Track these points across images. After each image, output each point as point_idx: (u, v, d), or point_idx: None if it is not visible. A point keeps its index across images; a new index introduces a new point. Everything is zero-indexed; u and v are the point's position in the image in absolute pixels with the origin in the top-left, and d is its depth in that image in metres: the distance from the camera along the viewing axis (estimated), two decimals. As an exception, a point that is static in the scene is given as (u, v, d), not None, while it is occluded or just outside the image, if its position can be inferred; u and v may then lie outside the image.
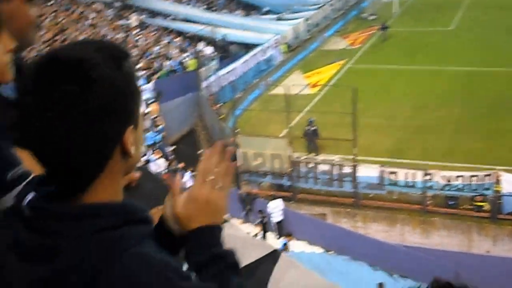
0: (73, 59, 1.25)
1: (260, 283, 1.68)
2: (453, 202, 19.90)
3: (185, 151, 25.25)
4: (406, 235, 19.58)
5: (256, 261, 1.84)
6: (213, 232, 1.49)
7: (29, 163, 1.68)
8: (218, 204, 1.51)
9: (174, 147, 25.06)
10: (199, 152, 26.07)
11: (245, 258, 1.93)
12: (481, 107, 25.64)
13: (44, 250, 1.29)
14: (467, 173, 19.57)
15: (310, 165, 21.50)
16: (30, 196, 1.39)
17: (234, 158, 22.34)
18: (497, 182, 19.11)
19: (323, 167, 21.32)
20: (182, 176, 20.04)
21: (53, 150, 1.25)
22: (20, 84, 1.33)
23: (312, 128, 23.38)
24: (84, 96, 1.22)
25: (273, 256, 1.92)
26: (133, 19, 36.26)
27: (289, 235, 18.11)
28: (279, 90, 26.96)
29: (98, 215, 1.29)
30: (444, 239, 19.15)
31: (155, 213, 1.61)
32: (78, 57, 1.25)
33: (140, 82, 27.77)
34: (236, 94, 27.30)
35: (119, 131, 1.31)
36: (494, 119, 24.40)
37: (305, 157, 22.41)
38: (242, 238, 2.01)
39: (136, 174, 2.10)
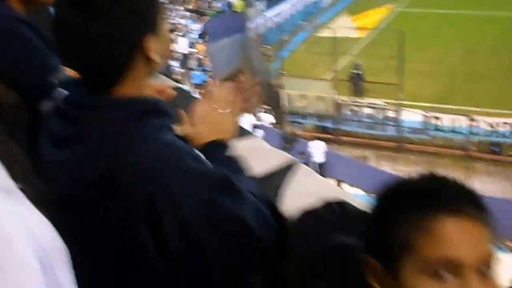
0: None
1: (277, 188, 1.83)
2: (497, 149, 19.77)
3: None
4: (448, 180, 19.41)
5: (275, 169, 2.01)
6: (220, 146, 1.63)
7: None
8: (225, 125, 1.67)
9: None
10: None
11: (263, 166, 2.03)
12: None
13: (71, 136, 1.46)
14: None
15: (354, 108, 21.50)
16: (63, 92, 1.52)
17: (277, 99, 22.49)
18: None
19: (367, 111, 21.29)
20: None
21: (81, 52, 1.41)
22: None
23: (358, 72, 23.19)
24: (112, 6, 1.39)
25: (291, 166, 2.05)
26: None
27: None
28: (326, 33, 26.63)
29: (122, 105, 1.44)
30: (486, 185, 19.01)
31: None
32: None
33: (189, 23, 27.92)
34: (283, 36, 27.13)
35: (139, 38, 1.45)
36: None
37: (350, 100, 22.37)
38: (264, 148, 2.13)
39: (173, 92, 2.21)
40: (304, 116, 22.63)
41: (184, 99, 1.94)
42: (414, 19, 30.67)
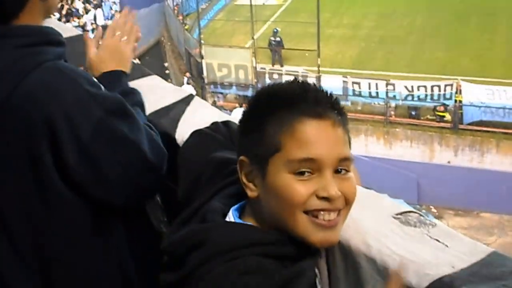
0: None
1: (174, 120, 1.94)
2: (415, 113, 20.18)
3: (151, 63, 25.06)
4: (370, 145, 19.78)
5: (172, 103, 2.12)
6: (120, 75, 1.76)
7: None
8: (124, 52, 1.80)
9: (138, 59, 24.81)
10: (165, 64, 25.98)
11: (163, 101, 2.14)
12: (444, 16, 25.68)
13: None
14: (429, 83, 19.78)
15: (275, 76, 21.46)
16: None
17: (197, 69, 22.32)
18: (459, 92, 19.40)
19: (287, 78, 21.11)
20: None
21: None
22: None
23: (277, 39, 23.18)
24: None
25: (188, 99, 2.20)
26: None
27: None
28: (244, 0, 26.55)
29: (18, 34, 1.48)
30: (406, 150, 19.47)
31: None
32: None
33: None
34: (201, 5, 26.81)
35: None
36: (456, 28, 24.52)
37: (270, 68, 22.38)
38: (163, 86, 2.31)
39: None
40: (225, 86, 22.57)
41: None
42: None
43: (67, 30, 2.74)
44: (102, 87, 1.54)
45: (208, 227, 1.26)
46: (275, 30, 23.51)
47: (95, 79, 1.57)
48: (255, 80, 21.54)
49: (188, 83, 22.04)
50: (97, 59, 1.75)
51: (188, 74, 22.91)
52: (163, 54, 26.97)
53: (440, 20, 25.62)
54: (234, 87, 22.44)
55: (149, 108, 1.88)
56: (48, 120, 1.41)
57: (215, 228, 1.26)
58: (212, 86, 22.56)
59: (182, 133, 1.81)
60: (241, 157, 1.27)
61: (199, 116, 1.96)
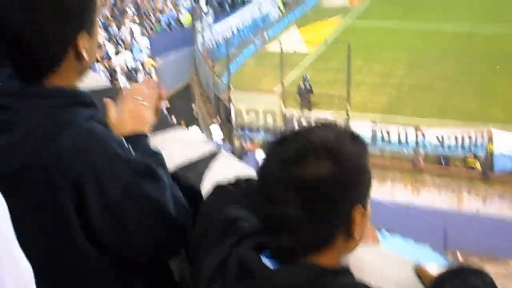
0: None
1: (200, 174, 2.01)
2: (444, 161, 19.99)
3: (180, 106, 25.26)
4: (397, 192, 19.54)
5: (199, 157, 2.17)
6: (141, 138, 1.73)
7: None
8: (145, 116, 1.78)
9: (167, 102, 25.02)
10: (194, 107, 26.19)
11: (190, 155, 2.19)
12: (475, 66, 25.49)
13: (3, 124, 1.48)
14: (459, 132, 19.65)
15: (303, 122, 21.50)
16: None
17: (226, 113, 22.43)
18: (489, 141, 19.19)
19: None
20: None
21: (17, 41, 1.46)
22: None
23: (306, 85, 23.26)
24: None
25: (214, 154, 2.24)
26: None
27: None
28: (274, 47, 26.78)
29: (50, 95, 1.51)
30: (434, 198, 19.23)
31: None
32: None
33: (136, 36, 27.68)
34: (231, 50, 27.12)
35: (72, 34, 1.51)
36: (487, 76, 24.33)
37: (298, 113, 22.39)
38: (189, 139, 2.37)
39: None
40: (253, 130, 22.61)
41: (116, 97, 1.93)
42: (362, 33, 31.08)
43: (97, 81, 2.84)
44: (131, 150, 1.58)
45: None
46: (305, 76, 23.61)
47: (125, 142, 1.60)
48: (283, 125, 21.52)
49: (216, 126, 22.17)
50: (117, 122, 1.75)
51: (217, 118, 23.03)
52: (192, 97, 27.19)
53: (471, 68, 25.44)
54: (261, 132, 22.44)
55: (176, 162, 2.00)
56: (76, 181, 1.44)
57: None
58: (239, 130, 22.58)
59: (207, 188, 1.81)
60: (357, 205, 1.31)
61: (224, 171, 2.01)
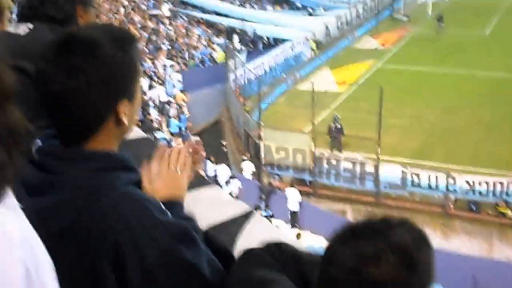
0: (85, 38, 1.57)
1: (232, 236, 2.04)
2: (475, 207, 19.79)
3: (210, 141, 25.36)
4: (426, 237, 19.36)
5: (232, 218, 2.23)
6: (176, 204, 1.77)
7: None
8: (180, 183, 1.83)
9: (198, 137, 25.20)
10: (223, 142, 26.30)
11: (223, 215, 2.25)
12: (508, 111, 25.31)
13: (46, 185, 1.54)
14: (491, 179, 19.51)
15: (333, 162, 21.53)
16: (38, 143, 1.61)
17: (255, 150, 22.44)
18: (521, 189, 19.00)
19: (345, 164, 21.37)
20: (205, 165, 20.21)
21: (60, 106, 1.54)
22: (42, 52, 1.59)
23: (337, 125, 23.28)
24: (89, 69, 1.52)
25: (247, 215, 2.30)
26: (165, 9, 36.46)
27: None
28: (306, 86, 26.90)
29: (93, 158, 1.57)
30: (464, 244, 18.97)
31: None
32: (90, 37, 1.57)
33: (169, 71, 28.05)
34: (263, 88, 27.31)
35: (113, 102, 1.59)
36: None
37: (328, 153, 22.36)
38: (223, 198, 2.47)
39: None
40: (282, 168, 22.61)
41: (148, 148, 2.16)
42: (394, 75, 31.16)
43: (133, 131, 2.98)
44: (169, 214, 1.63)
45: None
46: (336, 117, 23.62)
47: (162, 205, 1.64)
48: (313, 165, 21.54)
49: (246, 161, 22.30)
50: (152, 189, 1.78)
51: (247, 154, 23.09)
52: (222, 133, 27.31)
53: (504, 115, 25.20)
54: (291, 170, 22.47)
55: (209, 221, 2.04)
56: (115, 244, 1.49)
57: None
58: (268, 167, 22.61)
59: (239, 250, 1.86)
60: None
61: (256, 234, 2.07)
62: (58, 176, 1.54)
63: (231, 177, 20.48)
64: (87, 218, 1.49)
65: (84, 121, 1.57)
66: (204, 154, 1.90)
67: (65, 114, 1.56)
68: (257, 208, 19.17)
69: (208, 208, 2.04)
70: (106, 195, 1.51)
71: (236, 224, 2.13)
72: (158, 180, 1.81)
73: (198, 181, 2.33)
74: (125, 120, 1.62)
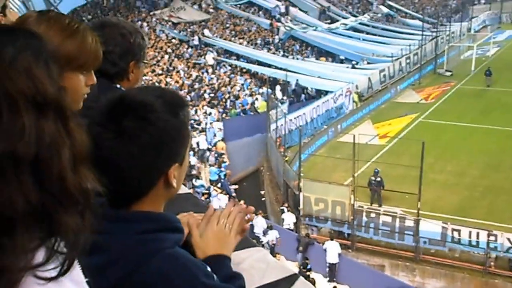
0: (138, 102, 1.58)
1: None
2: (516, 266, 19.44)
3: (248, 190, 25.50)
4: (466, 294, 19.08)
5: (275, 281, 2.22)
6: (224, 259, 1.80)
7: None
8: (228, 238, 1.85)
9: (237, 185, 25.40)
10: (262, 192, 26.39)
11: (267, 277, 2.25)
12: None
13: (93, 246, 1.50)
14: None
15: (372, 215, 21.44)
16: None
17: (295, 201, 22.49)
18: None
19: (385, 218, 21.23)
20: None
21: (111, 170, 1.53)
22: (92, 115, 1.62)
23: (377, 179, 23.27)
24: (141, 133, 1.54)
25: (292, 279, 2.28)
26: (209, 57, 37.17)
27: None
28: (347, 138, 26.92)
29: (140, 220, 1.60)
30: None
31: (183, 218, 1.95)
32: (142, 101, 1.58)
33: (210, 119, 28.45)
34: (304, 139, 27.47)
35: (164, 166, 1.61)
36: None
37: (368, 207, 22.28)
38: (267, 260, 2.40)
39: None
40: (320, 220, 22.56)
41: (191, 206, 2.19)
42: (436, 130, 31.14)
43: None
44: (215, 277, 1.65)
45: None
46: (376, 170, 23.61)
47: (209, 269, 1.67)
48: (352, 217, 21.44)
49: (287, 212, 22.37)
50: (202, 243, 1.84)
51: (286, 205, 23.10)
52: (261, 182, 27.45)
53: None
54: (329, 222, 22.40)
55: (254, 284, 2.06)
56: None
57: None
58: (307, 219, 22.57)
59: None
60: None
61: None
62: (106, 237, 1.52)
63: (269, 228, 20.51)
64: (134, 280, 1.51)
65: (134, 185, 1.59)
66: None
67: (115, 178, 1.55)
68: (302, 266, 19.23)
69: (252, 271, 2.05)
70: (153, 257, 1.53)
71: (280, 286, 2.15)
72: (208, 234, 1.84)
73: (243, 242, 2.29)
74: (174, 183, 1.63)
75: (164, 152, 1.60)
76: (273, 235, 20.25)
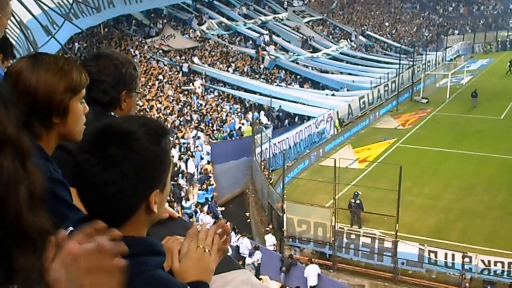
0: (122, 130, 1.62)
1: None
2: (490, 286, 20.06)
3: (234, 212, 26.02)
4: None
5: None
6: (203, 286, 1.87)
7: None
8: (207, 264, 1.90)
9: (223, 207, 25.90)
10: (247, 213, 26.92)
11: None
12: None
13: None
14: (506, 259, 19.83)
15: (352, 237, 22.00)
16: (70, 229, 1.54)
17: (278, 223, 23.10)
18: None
19: (364, 240, 21.76)
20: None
21: (95, 194, 1.58)
22: (79, 143, 1.70)
23: (357, 201, 23.91)
24: (124, 160, 1.57)
25: None
26: (197, 84, 37.96)
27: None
28: (329, 162, 27.56)
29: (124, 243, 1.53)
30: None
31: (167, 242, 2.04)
32: (126, 129, 1.61)
33: (198, 143, 29.03)
34: (287, 162, 28.07)
35: (146, 192, 1.64)
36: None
37: (348, 228, 22.90)
38: (252, 282, 2.55)
39: (165, 215, 2.56)
40: (303, 241, 23.17)
41: (180, 229, 2.23)
42: (413, 155, 31.95)
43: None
44: None
45: None
46: (356, 193, 24.24)
47: None
48: (333, 239, 21.99)
49: (269, 233, 22.91)
50: (181, 270, 1.86)
51: (270, 226, 23.60)
52: (246, 204, 28.05)
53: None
54: (311, 243, 22.95)
55: None
56: None
57: None
58: (290, 240, 23.18)
59: None
60: None
61: None
62: None
63: (255, 248, 21.13)
64: None
65: (116, 210, 1.60)
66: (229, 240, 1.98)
67: (99, 203, 1.59)
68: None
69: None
70: (135, 280, 1.49)
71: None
72: (186, 260, 1.88)
73: (228, 264, 2.38)
74: (155, 209, 1.65)
75: (145, 179, 1.61)
76: (258, 256, 20.90)
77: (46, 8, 15.28)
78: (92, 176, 1.56)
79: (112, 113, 2.88)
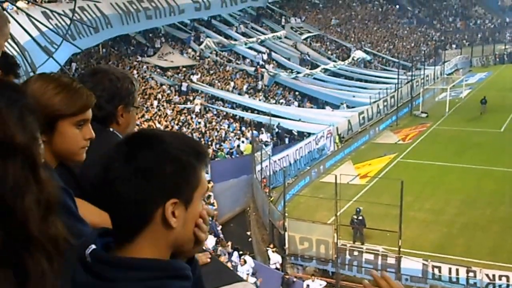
0: (149, 133, 1.60)
1: None
2: (495, 301, 19.97)
3: (236, 230, 25.91)
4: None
5: None
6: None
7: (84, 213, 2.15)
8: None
9: (223, 226, 25.76)
10: (248, 232, 26.80)
11: None
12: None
13: None
14: (511, 273, 19.72)
15: (355, 253, 21.90)
16: (92, 247, 1.56)
17: (279, 241, 23.01)
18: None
19: (367, 256, 21.67)
20: (230, 256, 20.73)
21: (111, 193, 1.53)
22: (106, 152, 1.62)
23: (359, 218, 23.83)
24: (141, 157, 1.53)
25: None
26: (196, 103, 38.00)
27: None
28: (329, 179, 27.52)
29: (144, 267, 1.51)
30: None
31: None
32: (153, 133, 1.60)
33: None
34: (288, 179, 28.03)
35: (160, 196, 1.52)
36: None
37: (351, 245, 22.80)
38: None
39: (207, 260, 2.54)
40: (305, 259, 23.03)
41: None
42: (414, 170, 31.86)
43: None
44: None
45: None
46: (358, 209, 24.14)
47: None
48: (335, 256, 21.88)
49: (273, 252, 22.75)
50: None
51: (272, 245, 23.46)
52: (247, 223, 27.91)
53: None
54: (314, 261, 22.83)
55: None
56: None
57: None
58: (292, 258, 23.04)
59: None
60: None
61: None
62: (109, 284, 1.50)
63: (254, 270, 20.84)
64: None
65: (129, 211, 1.52)
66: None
67: (115, 204, 1.54)
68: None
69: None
70: None
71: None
72: None
73: (233, 277, 2.39)
74: (172, 222, 1.53)
75: (162, 182, 1.52)
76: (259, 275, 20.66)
77: (44, 29, 15.27)
78: (114, 172, 1.52)
79: (111, 129, 2.89)
